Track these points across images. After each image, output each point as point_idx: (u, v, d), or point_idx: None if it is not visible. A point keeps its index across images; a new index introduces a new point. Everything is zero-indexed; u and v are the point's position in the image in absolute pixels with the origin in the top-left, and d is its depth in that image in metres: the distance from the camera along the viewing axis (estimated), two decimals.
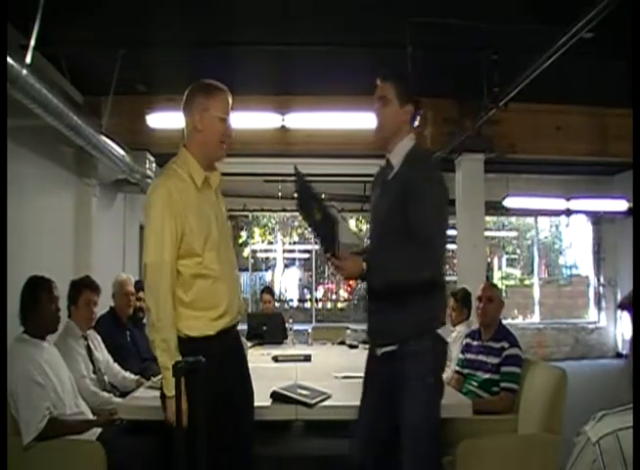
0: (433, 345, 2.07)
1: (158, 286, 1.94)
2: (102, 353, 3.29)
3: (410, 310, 2.05)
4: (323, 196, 1.86)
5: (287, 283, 12.11)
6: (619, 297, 8.85)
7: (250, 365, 2.24)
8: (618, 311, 8.40)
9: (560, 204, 8.24)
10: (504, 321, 3.36)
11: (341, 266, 1.98)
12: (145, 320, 4.33)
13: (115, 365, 3.36)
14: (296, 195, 2.17)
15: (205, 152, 2.06)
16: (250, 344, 4.38)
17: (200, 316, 2.00)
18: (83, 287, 3.14)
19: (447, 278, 9.45)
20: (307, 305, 8.83)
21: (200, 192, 2.04)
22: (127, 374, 3.37)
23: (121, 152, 4.96)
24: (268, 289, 5.91)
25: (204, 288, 2.01)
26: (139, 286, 4.31)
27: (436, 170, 2.16)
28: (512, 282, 11.13)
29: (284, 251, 12.05)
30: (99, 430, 2.63)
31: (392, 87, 2.13)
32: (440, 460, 2.22)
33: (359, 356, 4.39)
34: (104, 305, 3.80)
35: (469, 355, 3.33)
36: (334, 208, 2.13)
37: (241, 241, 11.39)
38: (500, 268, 11.16)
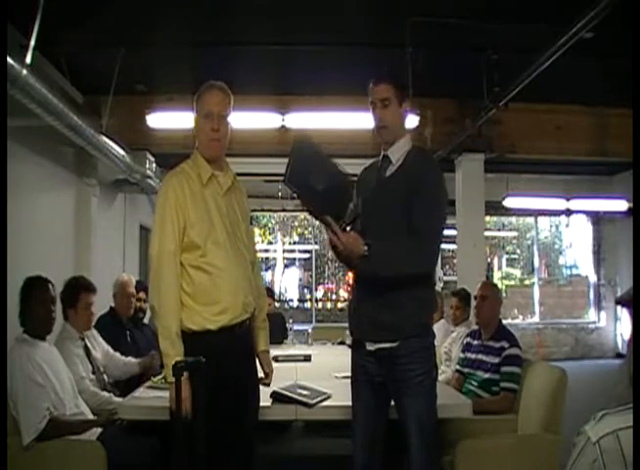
0: (432, 340, 2.14)
1: (160, 275, 2.01)
2: (101, 348, 3.30)
3: (414, 307, 2.07)
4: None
5: (287, 283, 12.11)
6: None
7: None
8: (619, 310, 8.41)
9: (560, 204, 8.23)
10: (504, 321, 3.37)
11: (343, 242, 1.88)
12: (145, 320, 4.36)
13: (117, 354, 3.38)
14: (290, 169, 2.04)
15: (202, 152, 2.15)
16: None
17: (201, 311, 2.03)
18: (81, 290, 3.10)
19: (447, 278, 9.35)
20: (307, 305, 8.83)
21: (205, 188, 2.11)
22: (129, 359, 3.40)
23: (121, 152, 4.96)
24: (268, 290, 5.91)
25: (204, 282, 2.05)
26: (139, 286, 4.31)
27: (440, 169, 2.19)
28: (512, 282, 11.13)
29: (284, 251, 12.05)
30: (99, 430, 2.62)
31: (391, 88, 2.17)
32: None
33: None
34: (104, 305, 3.80)
35: (469, 355, 3.34)
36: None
37: None
38: (500, 268, 11.17)
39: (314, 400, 2.38)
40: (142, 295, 4.37)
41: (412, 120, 4.59)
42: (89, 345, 3.19)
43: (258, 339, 2.28)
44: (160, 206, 2.07)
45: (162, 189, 2.11)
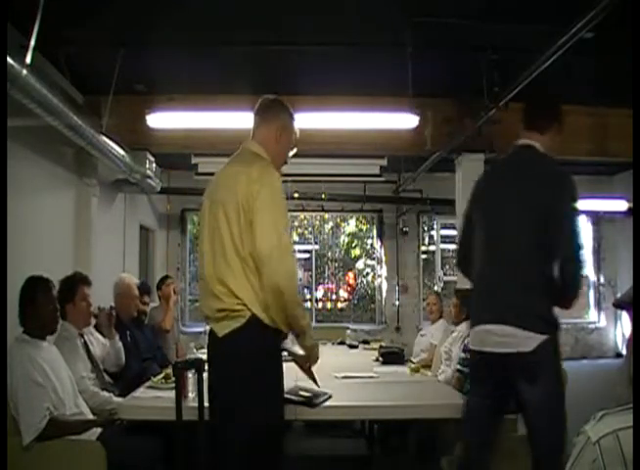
0: None
1: (293, 267, 2.11)
2: (98, 342, 3.31)
3: None
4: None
5: None
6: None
7: None
8: (618, 311, 8.41)
9: None
10: None
11: None
12: (146, 322, 4.39)
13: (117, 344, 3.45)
14: None
15: (272, 161, 2.22)
16: None
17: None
18: (79, 283, 3.14)
19: (447, 278, 9.20)
20: (307, 304, 8.82)
21: None
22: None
23: (121, 152, 4.96)
24: None
25: None
26: (144, 289, 4.34)
27: None
28: None
29: None
30: (99, 430, 2.63)
31: None
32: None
33: (359, 356, 4.41)
34: (104, 305, 3.80)
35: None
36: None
37: None
38: None
39: (317, 401, 2.38)
40: (146, 299, 4.40)
41: (412, 120, 4.59)
42: (88, 342, 3.19)
43: None
44: (281, 198, 2.09)
45: (276, 183, 2.10)
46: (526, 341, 2.09)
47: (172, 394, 2.30)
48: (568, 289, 2.21)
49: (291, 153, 2.32)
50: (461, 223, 2.43)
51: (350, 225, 9.68)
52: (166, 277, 5.41)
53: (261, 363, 2.05)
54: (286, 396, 2.39)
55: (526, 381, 2.11)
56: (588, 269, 9.89)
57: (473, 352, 2.27)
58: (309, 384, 2.60)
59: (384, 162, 6.44)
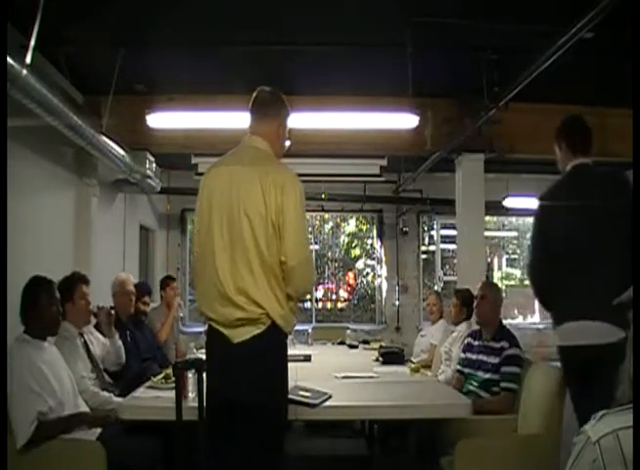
0: None
1: (314, 272, 2.23)
2: (98, 341, 3.32)
3: None
4: None
5: None
6: None
7: None
8: None
9: None
10: (504, 321, 3.37)
11: None
12: (146, 322, 4.40)
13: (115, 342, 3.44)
14: None
15: (276, 154, 2.26)
16: None
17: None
18: (78, 281, 3.15)
19: (447, 278, 9.18)
20: (307, 304, 8.81)
21: None
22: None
23: (121, 152, 4.96)
24: None
25: None
26: (145, 289, 4.33)
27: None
28: (512, 282, 11.11)
29: None
30: (99, 430, 2.63)
31: None
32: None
33: (359, 356, 4.41)
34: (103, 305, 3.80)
35: (469, 355, 3.34)
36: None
37: None
38: (500, 268, 11.15)
39: (317, 401, 2.38)
40: (147, 299, 4.39)
41: (412, 120, 4.59)
42: (88, 341, 3.19)
43: None
44: (303, 206, 2.10)
45: (301, 191, 2.11)
46: (608, 332, 2.21)
47: (172, 394, 2.30)
48: None
49: (287, 144, 2.35)
50: (536, 236, 2.66)
51: (350, 225, 9.68)
52: (171, 279, 5.29)
53: (275, 365, 2.08)
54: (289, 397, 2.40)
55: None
56: None
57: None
58: (309, 384, 2.60)
59: (384, 162, 6.43)
